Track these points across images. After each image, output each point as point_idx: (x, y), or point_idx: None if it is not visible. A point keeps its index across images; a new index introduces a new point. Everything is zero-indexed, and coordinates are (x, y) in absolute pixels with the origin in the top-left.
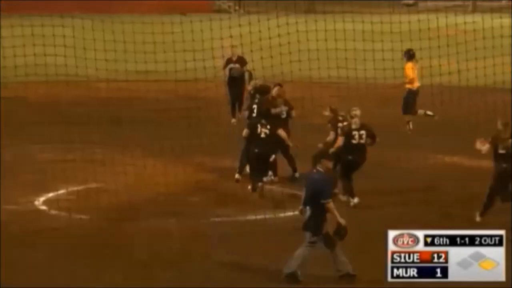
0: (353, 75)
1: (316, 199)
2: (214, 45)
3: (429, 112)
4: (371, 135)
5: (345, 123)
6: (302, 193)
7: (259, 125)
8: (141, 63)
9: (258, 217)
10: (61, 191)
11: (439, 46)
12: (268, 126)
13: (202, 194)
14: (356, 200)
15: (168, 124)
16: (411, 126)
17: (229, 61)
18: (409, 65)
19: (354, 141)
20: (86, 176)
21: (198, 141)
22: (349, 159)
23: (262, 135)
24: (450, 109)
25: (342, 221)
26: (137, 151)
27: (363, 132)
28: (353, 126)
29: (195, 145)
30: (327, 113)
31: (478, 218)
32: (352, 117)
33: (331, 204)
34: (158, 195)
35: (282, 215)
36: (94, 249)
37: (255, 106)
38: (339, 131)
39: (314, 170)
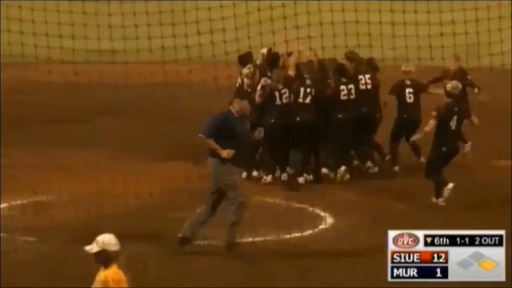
0: (378, 55)
1: None
2: (200, 17)
3: None
4: None
5: None
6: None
7: None
8: (105, 40)
9: (257, 239)
10: (2, 205)
11: (488, 19)
12: None
13: (187, 209)
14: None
15: (143, 118)
16: None
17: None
18: None
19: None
20: (34, 185)
21: (181, 139)
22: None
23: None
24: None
25: None
26: (102, 152)
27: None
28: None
29: (177, 144)
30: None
31: None
32: None
33: None
34: (128, 210)
35: (287, 236)
36: (41, 279)
37: None
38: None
39: None
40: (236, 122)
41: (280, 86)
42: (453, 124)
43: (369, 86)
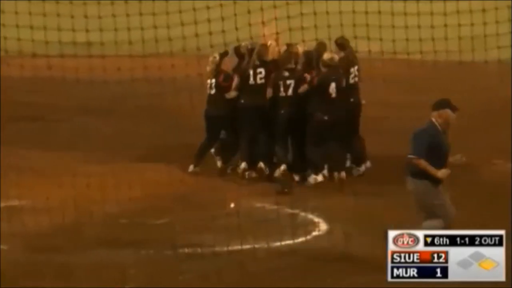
0: (376, 48)
1: None
2: (182, 7)
3: None
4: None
5: None
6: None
7: None
8: (81, 32)
9: (245, 247)
10: None
11: (496, 8)
12: None
13: (169, 215)
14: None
15: (122, 116)
16: None
17: None
18: None
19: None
20: (5, 189)
21: (163, 140)
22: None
23: None
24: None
25: None
26: (78, 154)
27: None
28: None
29: (159, 146)
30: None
31: None
32: None
33: None
34: (106, 216)
35: (277, 244)
36: None
37: None
38: None
39: None
40: (442, 136)
41: (257, 63)
42: (332, 91)
43: (356, 79)
